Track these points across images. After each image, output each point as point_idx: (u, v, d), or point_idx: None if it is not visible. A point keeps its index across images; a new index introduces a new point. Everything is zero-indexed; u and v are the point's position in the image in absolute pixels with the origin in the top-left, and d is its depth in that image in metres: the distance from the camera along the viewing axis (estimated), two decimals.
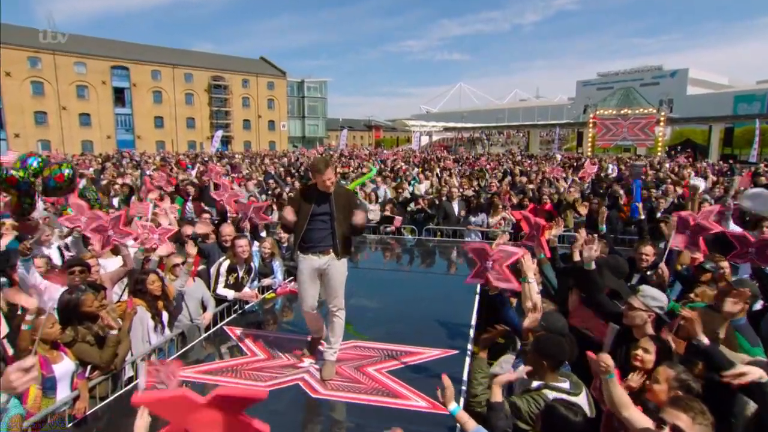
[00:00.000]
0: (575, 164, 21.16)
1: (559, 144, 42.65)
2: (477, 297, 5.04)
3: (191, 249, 4.23)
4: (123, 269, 4.20)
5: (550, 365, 2.52)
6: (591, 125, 40.71)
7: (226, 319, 4.53)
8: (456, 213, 8.94)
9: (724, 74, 75.99)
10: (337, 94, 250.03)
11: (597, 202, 7.71)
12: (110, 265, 4.47)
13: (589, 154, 37.39)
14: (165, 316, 3.95)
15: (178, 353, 3.86)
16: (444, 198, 9.46)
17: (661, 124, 37.76)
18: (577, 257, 3.93)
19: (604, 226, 5.97)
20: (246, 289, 4.79)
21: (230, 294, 4.63)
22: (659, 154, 34.58)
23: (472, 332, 4.25)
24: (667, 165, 19.51)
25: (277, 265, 5.42)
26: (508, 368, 2.99)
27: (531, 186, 10.86)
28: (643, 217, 7.00)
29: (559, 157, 29.40)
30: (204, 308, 4.44)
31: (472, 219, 8.50)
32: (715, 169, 16.06)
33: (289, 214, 3.52)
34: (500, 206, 8.46)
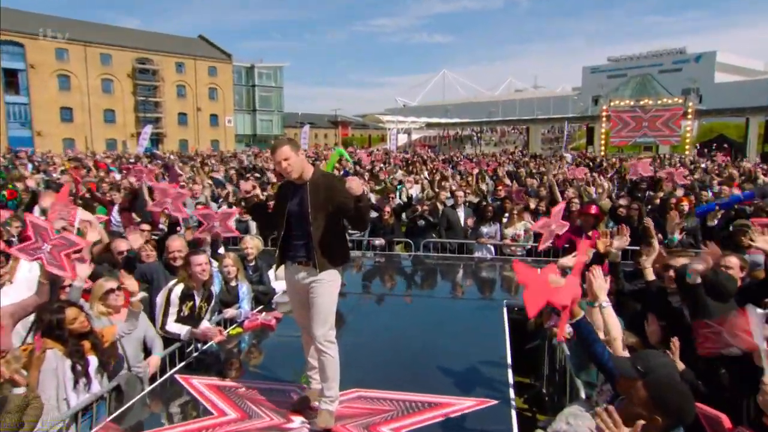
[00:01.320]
0: (591, 165, 21.54)
1: (567, 141, 43.53)
2: (507, 325, 5.07)
3: (129, 280, 3.80)
4: (32, 300, 3.72)
5: (667, 425, 2.21)
6: (604, 119, 41.88)
7: (179, 366, 4.28)
8: (462, 222, 8.85)
9: (759, 58, 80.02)
10: (295, 84, 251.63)
11: (638, 208, 7.81)
12: (12, 293, 4.04)
13: (603, 153, 38.23)
14: (93, 362, 3.53)
15: (111, 416, 3.53)
16: (443, 205, 9.44)
17: (689, 117, 39.24)
18: (650, 275, 3.76)
19: (675, 236, 5.98)
20: (205, 324, 4.51)
21: (184, 331, 4.32)
22: (687, 153, 35.55)
23: (510, 374, 4.12)
24: (703, 165, 20.01)
25: (245, 290, 5.15)
26: (580, 427, 2.69)
27: (543, 191, 10.92)
28: (715, 222, 7.04)
29: (569, 157, 29.94)
30: (147, 351, 4.19)
31: (484, 230, 8.52)
32: (764, 169, 16.51)
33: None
34: (517, 213, 8.40)
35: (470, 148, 60.69)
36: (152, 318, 4.35)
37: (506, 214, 8.83)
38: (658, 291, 3.76)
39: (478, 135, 70.50)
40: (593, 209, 6.58)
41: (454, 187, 10.74)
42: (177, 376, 4.07)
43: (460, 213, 8.98)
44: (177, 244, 4.86)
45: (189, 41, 65.27)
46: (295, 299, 3.62)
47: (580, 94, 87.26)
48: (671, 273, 3.73)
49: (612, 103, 42.48)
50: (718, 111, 45.71)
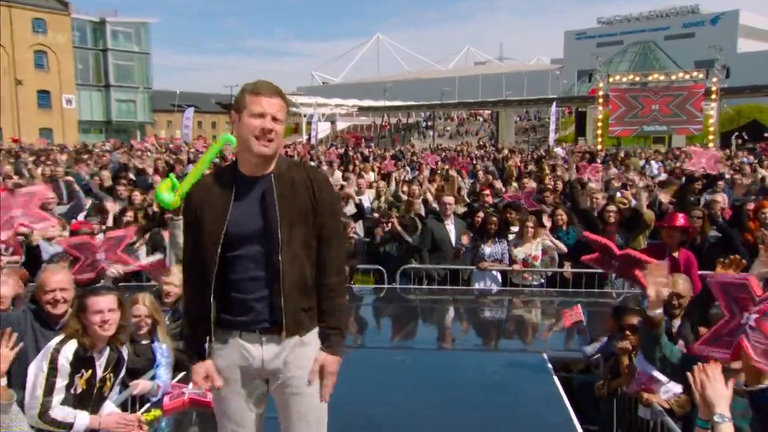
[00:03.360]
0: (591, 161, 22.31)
1: (555, 130, 45.05)
2: (556, 381, 5.20)
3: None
4: None
5: None
6: (601, 101, 43.75)
7: None
8: (454, 241, 8.90)
9: None
10: (167, 50, 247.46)
11: (701, 216, 8.09)
12: None
13: (600, 147, 39.70)
14: None
15: None
16: (417, 216, 9.57)
17: (713, 97, 41.67)
18: None
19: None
20: (110, 407, 4.14)
21: (82, 420, 3.91)
22: (711, 145, 37.39)
23: None
24: (744, 159, 21.09)
25: (163, 350, 4.86)
26: None
27: (549, 197, 11.12)
28: None
29: (560, 151, 30.85)
30: None
31: (487, 250, 8.58)
32: None
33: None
34: (532, 227, 8.51)
35: (419, 140, 61.44)
36: (21, 403, 3.85)
37: (511, 229, 8.86)
38: None
39: (428, 123, 71.80)
40: (679, 220, 6.49)
41: (432, 191, 10.67)
42: None
43: (450, 227, 8.97)
44: (58, 279, 4.46)
45: None
46: (236, 402, 3.14)
47: (562, 68, 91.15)
48: None
49: (611, 80, 44.52)
50: (754, 89, 48.20)
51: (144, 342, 4.85)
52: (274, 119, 2.94)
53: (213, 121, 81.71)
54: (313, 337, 3.11)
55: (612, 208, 8.63)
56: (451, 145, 45.11)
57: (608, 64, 54.76)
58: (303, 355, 3.06)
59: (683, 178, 13.17)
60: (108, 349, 4.15)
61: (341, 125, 69.61)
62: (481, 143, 49.92)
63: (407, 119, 71.55)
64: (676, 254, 6.18)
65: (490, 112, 70.36)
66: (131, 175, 14.79)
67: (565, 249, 8.35)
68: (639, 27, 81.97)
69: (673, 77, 43.75)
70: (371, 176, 15.64)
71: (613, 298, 8.16)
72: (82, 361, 3.98)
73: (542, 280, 8.51)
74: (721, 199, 9.53)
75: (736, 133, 36.91)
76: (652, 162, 22.90)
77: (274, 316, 3.01)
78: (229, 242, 2.99)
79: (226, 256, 2.99)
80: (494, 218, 8.84)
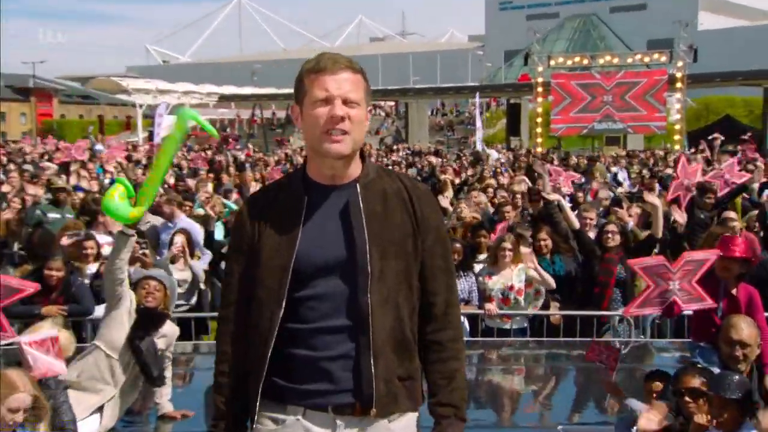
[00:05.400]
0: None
1: (481, 127, 45.86)
2: None
3: None
4: None
5: None
6: (540, 90, 45.02)
7: None
8: None
9: None
10: None
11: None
12: None
13: (540, 149, 40.77)
14: None
15: None
16: None
17: (679, 86, 43.41)
18: None
19: None
20: None
21: None
22: (677, 147, 39.25)
23: None
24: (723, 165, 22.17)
25: None
26: None
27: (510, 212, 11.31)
28: None
29: (494, 154, 31.45)
30: None
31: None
32: None
33: None
34: (509, 248, 8.58)
35: (300, 139, 60.93)
36: None
37: (478, 257, 9.01)
38: None
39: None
40: (739, 247, 6.47)
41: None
42: None
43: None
44: None
45: None
46: None
47: (484, 46, 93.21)
48: None
49: (552, 63, 45.63)
50: (726, 76, 50.70)
51: None
52: (347, 102, 2.80)
53: (4, 109, 78.94)
54: (408, 424, 2.96)
55: (612, 228, 8.76)
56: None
57: (542, 43, 56.15)
58: None
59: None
60: None
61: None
62: (387, 145, 49.86)
63: (287, 112, 70.53)
64: (734, 291, 6.16)
65: (394, 103, 70.74)
66: None
67: (553, 284, 8.45)
68: None
69: (629, 60, 45.20)
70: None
71: (617, 348, 8.36)
72: None
73: (525, 324, 8.58)
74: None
75: (714, 135, 38.53)
76: (614, 169, 23.49)
77: (359, 386, 2.84)
78: (297, 277, 2.85)
79: (291, 297, 2.85)
80: (457, 246, 8.78)
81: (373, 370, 2.79)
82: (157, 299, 6.18)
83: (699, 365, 5.14)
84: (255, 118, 67.89)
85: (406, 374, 2.90)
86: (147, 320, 6.01)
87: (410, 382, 2.92)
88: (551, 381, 8.37)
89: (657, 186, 15.09)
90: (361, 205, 2.88)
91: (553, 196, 9.35)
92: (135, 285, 6.34)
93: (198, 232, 10.63)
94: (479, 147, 37.10)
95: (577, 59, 46.16)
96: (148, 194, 3.99)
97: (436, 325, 2.94)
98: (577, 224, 9.19)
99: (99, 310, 7.61)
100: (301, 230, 2.88)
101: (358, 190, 2.90)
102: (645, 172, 21.53)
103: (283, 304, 2.83)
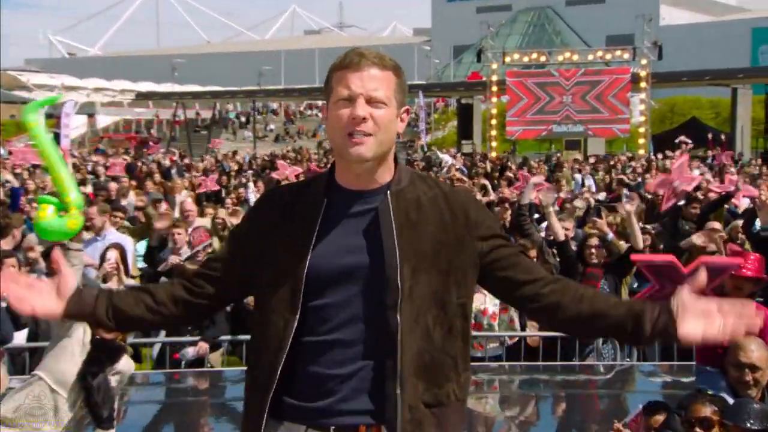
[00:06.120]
0: (492, 173, 23.03)
1: (425, 131, 46.19)
2: None
3: None
4: None
5: None
6: (495, 89, 45.49)
7: None
8: None
9: None
10: None
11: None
12: None
13: (495, 153, 41.23)
14: None
15: None
16: None
17: (643, 86, 44.44)
18: None
19: None
20: None
21: None
22: (641, 151, 40.29)
23: None
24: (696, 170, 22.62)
25: None
26: None
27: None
28: None
29: (448, 159, 31.73)
30: None
31: None
32: None
33: None
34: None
35: (230, 141, 60.68)
36: None
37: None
38: None
39: (243, 119, 70.77)
40: (752, 266, 6.62)
41: None
42: None
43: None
44: None
45: None
46: None
47: (430, 41, 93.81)
48: None
49: (507, 59, 46.16)
50: (693, 75, 52.19)
51: None
52: (372, 101, 2.77)
53: None
54: None
55: (594, 242, 8.95)
56: (277, 151, 44.99)
57: (494, 37, 56.66)
58: None
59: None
60: None
61: (104, 120, 67.49)
62: (327, 150, 49.96)
63: (214, 112, 70.15)
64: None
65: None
66: None
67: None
68: None
69: (590, 57, 46.29)
70: (188, 201, 15.17)
71: (601, 373, 8.43)
72: None
73: (500, 352, 8.65)
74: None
75: (680, 137, 39.38)
76: (578, 176, 24.35)
77: (381, 409, 2.82)
78: (310, 284, 2.84)
79: (306, 306, 2.84)
80: None
81: (399, 393, 2.78)
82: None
83: (708, 392, 5.18)
84: (177, 119, 66.02)
85: (435, 401, 2.87)
86: (102, 353, 5.68)
87: (439, 409, 2.89)
88: (529, 409, 8.34)
89: (624, 192, 15.47)
90: (392, 215, 2.88)
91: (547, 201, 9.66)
92: None
93: (131, 247, 10.55)
94: (430, 151, 37.47)
95: (534, 56, 46.83)
96: (67, 196, 3.98)
97: (555, 287, 2.95)
98: (561, 235, 9.28)
99: (18, 337, 7.64)
100: (315, 234, 2.89)
101: (389, 197, 2.91)
102: (609, 177, 22.01)
103: (298, 313, 2.85)
